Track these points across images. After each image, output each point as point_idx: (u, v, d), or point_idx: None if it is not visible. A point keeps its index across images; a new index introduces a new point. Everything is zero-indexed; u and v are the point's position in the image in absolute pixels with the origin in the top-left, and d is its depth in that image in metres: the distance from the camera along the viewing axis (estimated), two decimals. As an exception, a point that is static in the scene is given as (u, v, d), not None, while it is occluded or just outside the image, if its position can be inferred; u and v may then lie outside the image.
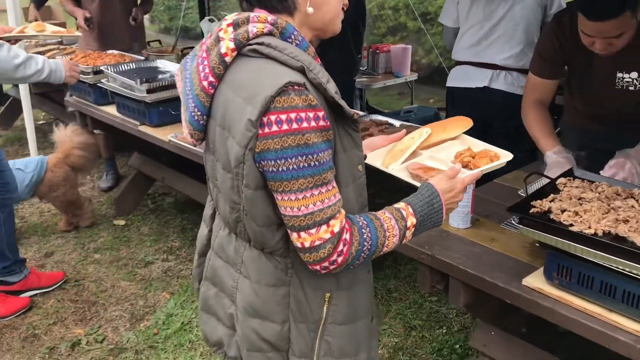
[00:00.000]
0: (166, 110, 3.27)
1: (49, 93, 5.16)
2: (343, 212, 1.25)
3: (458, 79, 3.11)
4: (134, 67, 3.65)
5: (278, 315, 1.36)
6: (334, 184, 1.23)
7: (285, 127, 1.16)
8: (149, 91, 3.17)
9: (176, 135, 3.07)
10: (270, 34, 1.25)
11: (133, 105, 3.35)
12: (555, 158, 2.18)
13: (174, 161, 3.70)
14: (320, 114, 1.19)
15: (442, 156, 1.64)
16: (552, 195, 1.74)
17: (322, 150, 1.19)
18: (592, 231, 1.54)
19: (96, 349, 2.85)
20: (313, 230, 1.21)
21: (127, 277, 3.45)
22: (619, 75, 2.23)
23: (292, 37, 1.27)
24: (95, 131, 4.19)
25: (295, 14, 1.29)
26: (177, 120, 3.33)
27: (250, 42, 1.23)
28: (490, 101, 2.93)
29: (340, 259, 1.24)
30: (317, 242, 1.22)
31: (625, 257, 1.47)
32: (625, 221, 1.56)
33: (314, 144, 1.18)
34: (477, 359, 2.29)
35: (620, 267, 1.49)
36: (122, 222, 4.10)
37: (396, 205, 1.35)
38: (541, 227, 1.60)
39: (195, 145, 1.43)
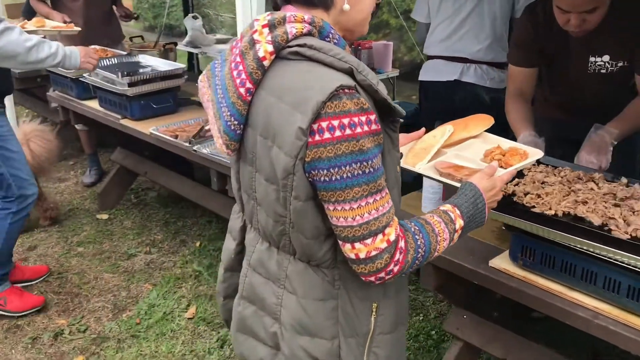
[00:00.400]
0: (147, 103, 3.31)
1: (31, 89, 5.16)
2: (396, 219, 1.20)
3: (430, 72, 3.19)
4: (116, 61, 3.68)
5: (327, 330, 1.28)
6: (387, 190, 1.17)
7: (338, 133, 1.10)
8: (130, 85, 3.20)
9: (157, 128, 3.11)
10: (309, 34, 1.18)
11: (115, 99, 3.38)
12: (524, 139, 2.27)
13: (157, 156, 3.74)
14: (372, 117, 1.13)
15: (468, 154, 1.66)
16: (516, 179, 1.81)
17: (375, 155, 1.14)
18: (552, 212, 1.61)
19: (79, 338, 2.89)
20: (369, 240, 1.15)
21: (110, 269, 3.49)
22: (592, 59, 2.28)
23: (330, 35, 1.21)
24: (77, 126, 4.23)
25: (330, 10, 1.23)
26: (158, 113, 3.37)
27: (290, 43, 1.16)
28: (461, 94, 3.00)
29: (396, 268, 1.18)
30: (374, 253, 1.16)
31: (583, 236, 1.55)
32: (584, 202, 1.63)
33: (368, 149, 1.12)
34: (451, 343, 2.36)
35: (579, 246, 1.56)
36: (105, 216, 4.13)
37: (443, 208, 1.30)
38: (505, 209, 1.67)
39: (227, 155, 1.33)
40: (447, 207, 1.30)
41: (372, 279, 1.19)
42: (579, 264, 1.61)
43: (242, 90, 1.18)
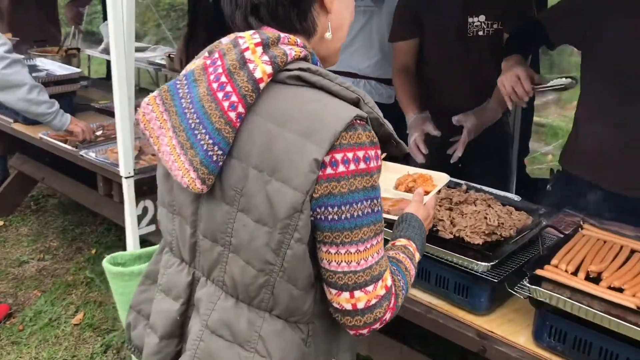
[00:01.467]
0: (41, 108, 3.27)
1: None
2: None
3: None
4: (12, 65, 3.61)
5: None
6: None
7: (352, 167, 1.00)
8: (21, 89, 3.16)
9: (47, 133, 3.08)
10: (305, 58, 1.08)
11: (7, 103, 3.33)
12: (415, 117, 2.46)
13: (57, 162, 3.68)
14: (379, 151, 1.06)
15: None
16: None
17: (380, 193, 1.07)
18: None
19: (-45, 346, 2.82)
20: (370, 287, 1.05)
21: (-2, 276, 3.42)
22: (470, 20, 2.37)
23: (318, 63, 1.12)
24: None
25: (312, 37, 1.13)
26: (52, 118, 3.33)
27: (290, 67, 1.05)
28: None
29: (388, 316, 1.09)
30: (374, 301, 1.06)
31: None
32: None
33: (378, 186, 1.05)
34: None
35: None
36: (0, 223, 4.03)
37: (400, 243, 1.24)
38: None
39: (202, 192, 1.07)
40: (403, 241, 1.25)
41: (365, 331, 1.08)
42: (416, 263, 1.73)
43: (232, 114, 1.02)
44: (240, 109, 1.02)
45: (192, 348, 1.16)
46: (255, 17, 1.10)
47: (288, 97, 1.04)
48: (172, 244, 1.21)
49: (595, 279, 1.47)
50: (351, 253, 1.03)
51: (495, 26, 2.40)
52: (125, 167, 2.36)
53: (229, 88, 1.02)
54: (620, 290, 1.41)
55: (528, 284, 1.46)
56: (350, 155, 1.00)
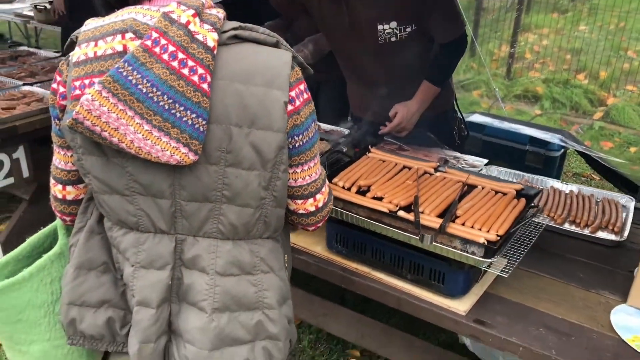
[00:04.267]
0: None
1: None
2: None
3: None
4: None
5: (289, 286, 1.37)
6: None
7: (302, 98, 1.21)
8: None
9: None
10: (225, 17, 1.20)
11: None
12: None
13: None
14: None
15: None
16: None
17: None
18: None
19: None
20: (324, 189, 1.34)
21: None
22: (380, 27, 2.28)
23: None
24: None
25: None
26: None
27: (224, 28, 1.17)
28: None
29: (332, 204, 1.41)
30: (327, 198, 1.35)
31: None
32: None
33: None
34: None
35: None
36: None
37: None
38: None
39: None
40: None
41: (321, 223, 1.38)
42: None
43: (204, 86, 1.12)
44: (209, 79, 1.12)
45: (208, 295, 1.26)
46: None
47: (238, 57, 1.17)
48: (138, 222, 1.26)
49: (366, 192, 1.76)
50: (311, 167, 1.28)
51: (409, 29, 2.30)
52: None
53: (191, 63, 1.10)
54: (380, 199, 1.71)
55: (312, 200, 1.72)
56: (298, 90, 1.20)
